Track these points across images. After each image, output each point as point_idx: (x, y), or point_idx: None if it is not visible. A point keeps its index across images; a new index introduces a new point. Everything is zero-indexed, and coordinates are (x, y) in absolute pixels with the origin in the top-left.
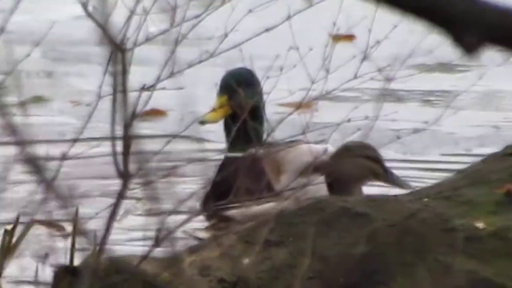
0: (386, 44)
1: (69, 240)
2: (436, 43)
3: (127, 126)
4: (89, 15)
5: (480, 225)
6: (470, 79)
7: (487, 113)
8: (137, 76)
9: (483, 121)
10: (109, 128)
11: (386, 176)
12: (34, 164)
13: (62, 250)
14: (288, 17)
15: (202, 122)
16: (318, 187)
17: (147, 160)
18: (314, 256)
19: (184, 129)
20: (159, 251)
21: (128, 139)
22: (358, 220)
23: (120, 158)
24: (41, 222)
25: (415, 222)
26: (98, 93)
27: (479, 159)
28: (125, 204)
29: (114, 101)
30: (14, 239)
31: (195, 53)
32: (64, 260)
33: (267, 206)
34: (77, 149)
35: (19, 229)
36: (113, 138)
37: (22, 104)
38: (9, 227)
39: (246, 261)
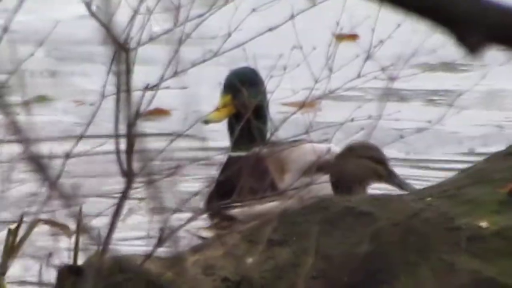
0: (390, 44)
1: (73, 239)
2: (440, 43)
3: (130, 125)
4: (92, 14)
5: (483, 224)
6: (473, 78)
7: (490, 112)
8: (140, 75)
9: (486, 121)
10: (113, 127)
11: (390, 177)
12: (38, 163)
13: (65, 250)
14: (292, 17)
15: (206, 122)
16: (322, 186)
17: (150, 159)
18: (317, 255)
19: (188, 129)
20: (162, 250)
21: (131, 138)
22: (361, 219)
23: (123, 157)
24: (45, 222)
25: (419, 221)
26: (102, 92)
27: (482, 158)
28: (129, 203)
29: (118, 100)
30: (17, 239)
31: (199, 53)
32: (67, 259)
33: (271, 205)
34: (81, 147)
35: (22, 229)
36: (116, 137)
37: (26, 104)
38: (13, 226)
39: (249, 260)
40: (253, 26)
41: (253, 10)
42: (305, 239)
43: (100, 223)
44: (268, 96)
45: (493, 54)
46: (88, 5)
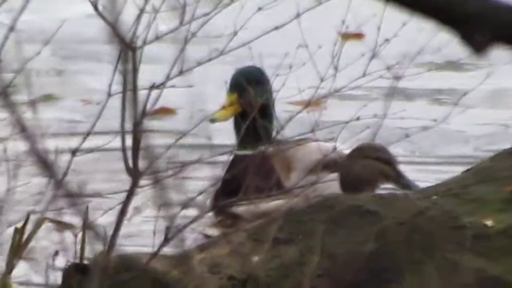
0: (395, 42)
1: (79, 237)
2: (445, 42)
3: (137, 124)
4: (99, 13)
5: (488, 223)
6: (479, 77)
7: (495, 111)
8: (146, 74)
9: (491, 119)
10: (119, 126)
11: (398, 179)
12: (44, 162)
13: (71, 248)
14: (297, 15)
15: (212, 120)
16: (327, 185)
17: (156, 158)
18: (323, 254)
19: (194, 127)
20: (168, 249)
21: (138, 137)
22: (367, 218)
23: (130, 156)
24: (51, 220)
25: (424, 220)
26: (108, 91)
27: (487, 157)
28: (135, 201)
29: (124, 99)
30: (24, 237)
31: (205, 51)
32: (73, 257)
33: (277, 204)
34: (87, 146)
35: (29, 227)
36: (123, 136)
37: (32, 103)
38: (19, 225)
39: (255, 258)
40: (258, 25)
41: (259, 9)
42: (310, 238)
43: (106, 221)
44: (274, 95)
45: (499, 53)
46: (94, 4)
